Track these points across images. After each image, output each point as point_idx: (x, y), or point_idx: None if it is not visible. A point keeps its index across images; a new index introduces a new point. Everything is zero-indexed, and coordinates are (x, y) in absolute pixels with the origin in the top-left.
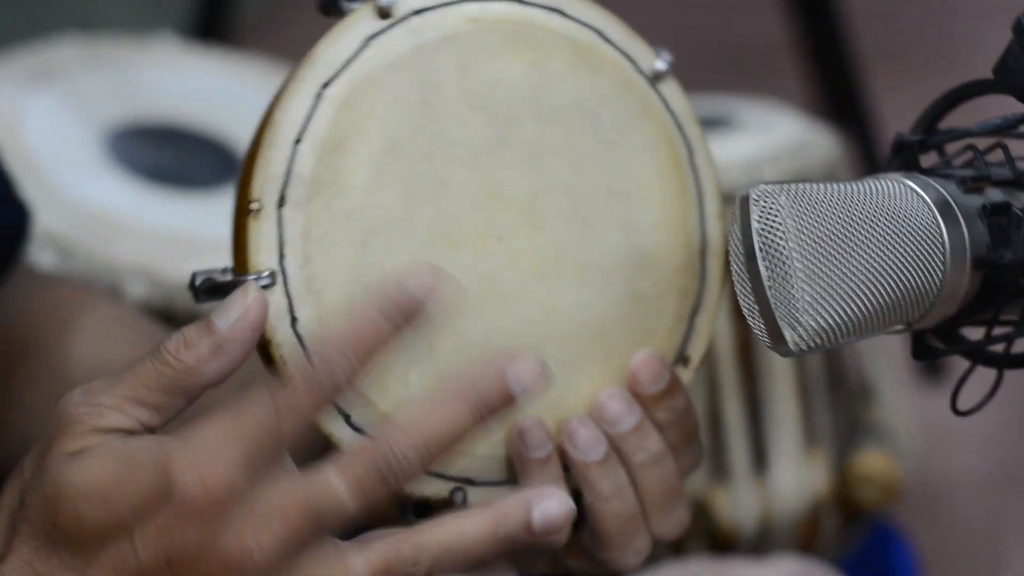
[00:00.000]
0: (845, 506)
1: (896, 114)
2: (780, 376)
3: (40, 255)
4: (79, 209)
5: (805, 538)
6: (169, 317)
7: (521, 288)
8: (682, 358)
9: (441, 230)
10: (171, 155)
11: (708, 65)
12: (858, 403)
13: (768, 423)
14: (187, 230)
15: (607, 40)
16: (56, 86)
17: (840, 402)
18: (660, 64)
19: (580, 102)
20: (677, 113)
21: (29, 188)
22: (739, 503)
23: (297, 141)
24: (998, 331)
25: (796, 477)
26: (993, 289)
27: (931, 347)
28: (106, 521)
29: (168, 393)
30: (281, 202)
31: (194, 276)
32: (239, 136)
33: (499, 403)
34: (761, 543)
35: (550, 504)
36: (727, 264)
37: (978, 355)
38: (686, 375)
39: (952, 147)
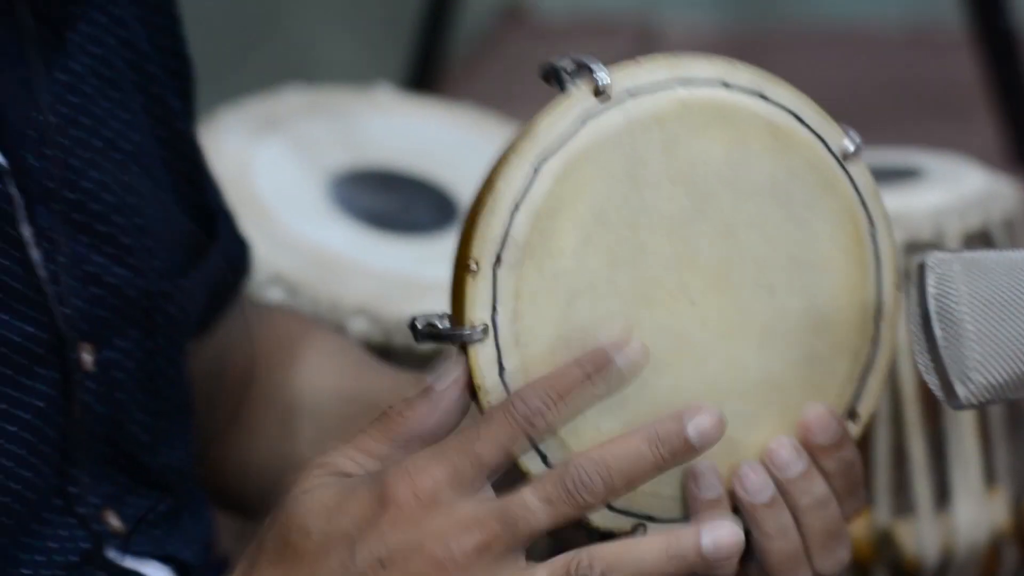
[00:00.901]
0: None
1: None
2: (963, 416)
3: (269, 293)
4: (306, 251)
5: (985, 572)
6: (387, 352)
7: (708, 347)
8: (852, 414)
9: (639, 292)
10: (390, 200)
11: (900, 104)
12: None
13: (951, 459)
14: (406, 272)
15: (802, 122)
16: (282, 134)
17: (1020, 441)
18: (849, 145)
19: (774, 180)
20: (862, 190)
21: (259, 231)
22: (922, 536)
23: (515, 209)
24: None
25: (977, 512)
26: None
27: None
28: (330, 532)
29: (392, 445)
30: (497, 263)
31: (415, 320)
32: (454, 182)
33: (678, 447)
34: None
35: (721, 532)
36: (895, 323)
37: None
38: (854, 430)
39: None
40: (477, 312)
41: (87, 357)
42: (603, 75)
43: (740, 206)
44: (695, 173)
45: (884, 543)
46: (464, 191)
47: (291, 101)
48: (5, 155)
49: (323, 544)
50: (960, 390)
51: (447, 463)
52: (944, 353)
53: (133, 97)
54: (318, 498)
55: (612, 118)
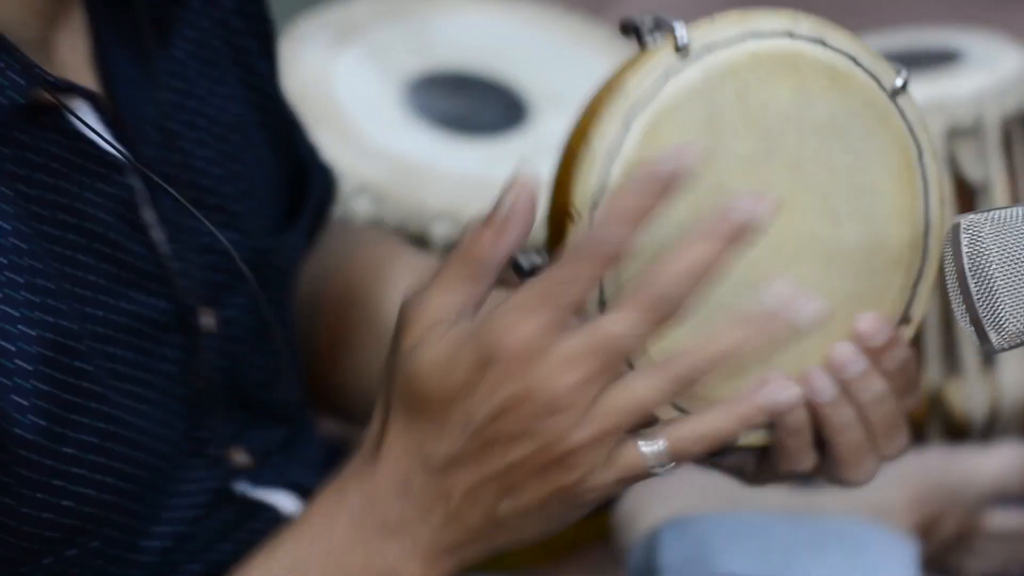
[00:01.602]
0: None
1: None
2: None
3: (357, 203)
4: (388, 159)
5: None
6: None
7: (781, 267)
8: (906, 319)
9: None
10: (462, 102)
11: None
12: None
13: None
14: (480, 174)
15: (858, 64)
16: (358, 43)
17: None
18: (899, 81)
19: (833, 117)
20: (911, 122)
21: (343, 141)
22: (970, 395)
23: (610, 162)
24: None
25: (1021, 372)
26: None
27: None
28: (446, 393)
29: (474, 279)
30: (594, 208)
31: (517, 259)
32: (519, 79)
33: (778, 326)
34: (990, 431)
35: (787, 391)
36: (940, 241)
37: None
38: (909, 331)
39: None
40: None
41: (208, 320)
42: (683, 33)
43: (805, 143)
44: (765, 116)
45: (936, 402)
46: (529, 88)
47: (363, 8)
48: (127, 147)
49: (444, 404)
50: (993, 337)
51: (540, 310)
52: (978, 305)
53: (229, 71)
54: (429, 357)
55: (692, 73)
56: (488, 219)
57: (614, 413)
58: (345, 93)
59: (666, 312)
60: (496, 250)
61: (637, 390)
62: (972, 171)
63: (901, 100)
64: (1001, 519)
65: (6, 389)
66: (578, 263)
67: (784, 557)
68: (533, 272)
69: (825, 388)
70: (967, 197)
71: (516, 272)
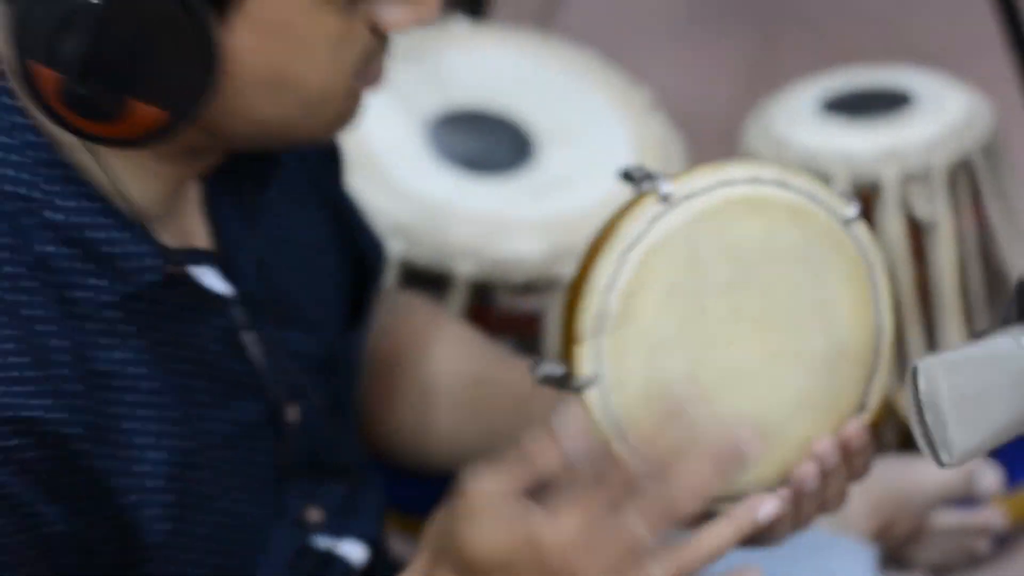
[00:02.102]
0: None
1: None
2: (950, 309)
3: (393, 244)
4: (416, 201)
5: None
6: (488, 287)
7: (756, 374)
8: (863, 407)
9: (702, 340)
10: (477, 141)
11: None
12: None
13: (940, 341)
14: (496, 211)
15: (815, 200)
16: (383, 86)
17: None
18: (850, 212)
19: (796, 247)
20: (862, 244)
21: (377, 185)
22: (909, 418)
23: (607, 292)
24: None
25: None
26: None
27: None
28: (492, 564)
29: (527, 478)
30: (598, 332)
31: (535, 368)
32: (527, 113)
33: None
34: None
35: (768, 507)
36: (893, 343)
37: None
38: (865, 418)
39: None
40: (587, 366)
41: (293, 413)
42: (666, 186)
43: (773, 269)
44: (738, 249)
45: (890, 411)
46: (535, 123)
47: None
48: (232, 285)
49: (485, 571)
50: (944, 457)
51: (584, 516)
52: (932, 432)
53: (308, 196)
54: (481, 531)
55: (675, 218)
56: (546, 440)
57: None
58: (375, 137)
59: (674, 519)
60: (547, 465)
61: (651, 573)
62: (922, 211)
63: (853, 227)
64: (944, 518)
65: (140, 506)
66: (611, 484)
67: (761, 565)
68: (548, 382)
69: (811, 481)
70: (918, 235)
71: (533, 375)
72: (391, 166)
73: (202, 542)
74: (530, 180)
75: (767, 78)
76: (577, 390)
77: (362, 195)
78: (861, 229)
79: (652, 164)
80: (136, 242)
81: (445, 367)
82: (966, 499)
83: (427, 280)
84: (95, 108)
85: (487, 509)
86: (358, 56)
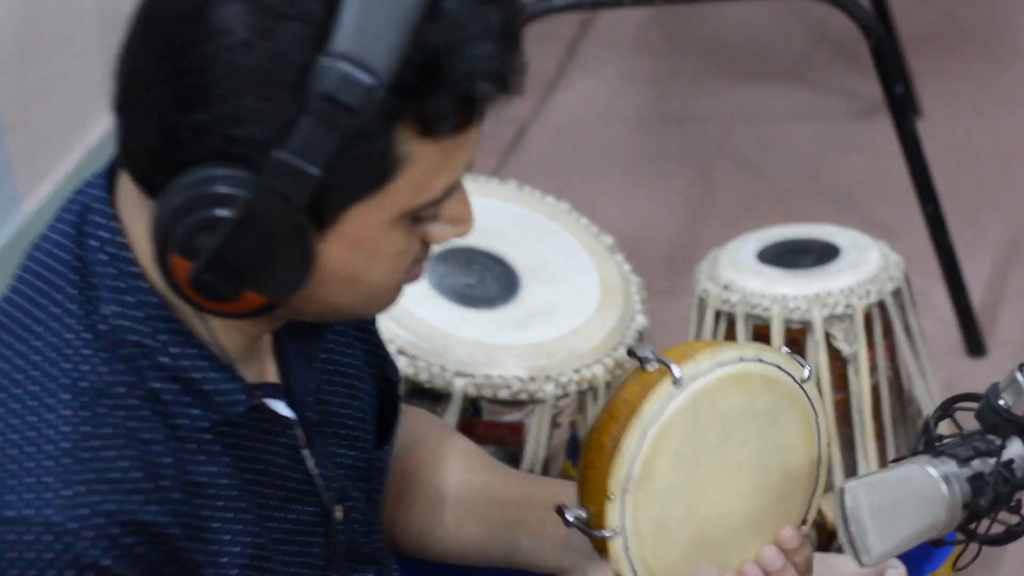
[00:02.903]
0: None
1: (944, 104)
2: (865, 425)
3: (399, 362)
4: (419, 327)
5: None
6: (480, 401)
7: (731, 505)
8: (804, 521)
9: (699, 488)
10: (468, 275)
11: (805, 48)
12: None
13: (857, 453)
14: (487, 338)
15: (782, 369)
16: None
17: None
18: (805, 373)
19: (767, 407)
20: (812, 397)
21: (387, 314)
22: (837, 526)
23: (634, 459)
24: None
25: None
26: (974, 515)
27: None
28: None
29: None
30: (624, 492)
31: (563, 510)
32: (513, 252)
33: None
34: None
35: None
36: (827, 469)
37: (976, 540)
38: (806, 529)
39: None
40: (614, 521)
41: (339, 513)
42: (678, 371)
43: (749, 426)
44: (727, 414)
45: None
46: (518, 261)
47: None
48: (294, 411)
49: None
50: (864, 559)
51: None
52: (854, 540)
53: (350, 332)
54: None
55: (683, 398)
56: None
57: None
58: None
59: None
60: None
61: None
62: (843, 346)
63: (806, 385)
64: None
65: None
66: None
67: None
68: (581, 529)
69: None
70: (840, 364)
71: (560, 516)
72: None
73: None
74: (515, 311)
75: (705, 214)
76: (604, 538)
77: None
78: (811, 386)
79: (614, 300)
80: (227, 381)
81: (453, 478)
82: None
83: (427, 394)
84: (215, 292)
85: None
86: (411, 261)
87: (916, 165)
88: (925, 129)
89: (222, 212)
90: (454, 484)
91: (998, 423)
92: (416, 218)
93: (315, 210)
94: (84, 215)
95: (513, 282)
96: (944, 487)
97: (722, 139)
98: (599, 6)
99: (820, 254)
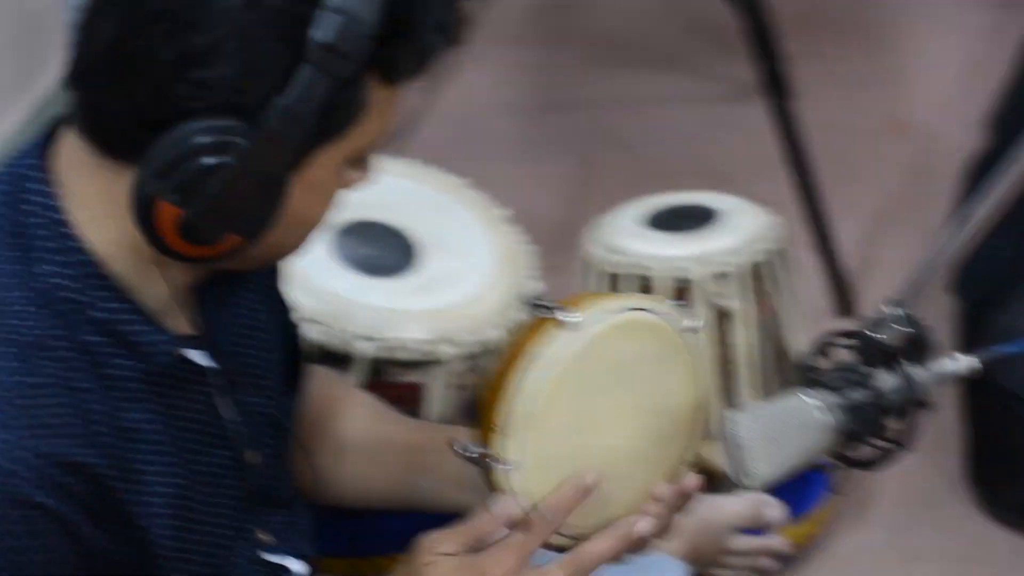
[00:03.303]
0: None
1: (816, 79)
2: (745, 378)
3: (310, 330)
4: (324, 295)
5: None
6: (385, 363)
7: (621, 448)
8: (684, 462)
9: (589, 428)
10: (370, 246)
11: (679, 35)
12: None
13: (736, 403)
14: (389, 304)
15: (668, 319)
16: None
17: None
18: (687, 323)
19: (652, 352)
20: (695, 348)
21: (295, 284)
22: (720, 453)
23: (528, 399)
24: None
25: None
26: (849, 441)
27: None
28: None
29: (474, 542)
30: (516, 428)
31: (457, 445)
32: (413, 225)
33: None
34: (732, 483)
35: (642, 524)
36: (707, 413)
37: (852, 465)
38: (685, 471)
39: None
40: (509, 455)
41: (253, 458)
42: (574, 318)
43: (638, 372)
44: (615, 360)
45: (698, 460)
46: (417, 232)
47: None
48: (212, 361)
49: None
50: (748, 483)
51: (516, 555)
52: (739, 465)
53: (260, 291)
54: (440, 569)
55: (579, 342)
56: (493, 518)
57: None
58: None
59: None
60: (491, 535)
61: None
62: (724, 302)
63: (690, 336)
64: (739, 542)
65: (152, 527)
66: (536, 536)
67: None
68: (470, 458)
69: (662, 513)
70: (724, 320)
71: (454, 450)
72: (303, 267)
73: (194, 554)
74: (415, 279)
75: (590, 195)
76: (498, 470)
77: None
78: (694, 336)
79: (509, 268)
80: (154, 333)
81: (354, 427)
82: (757, 528)
83: (335, 358)
84: (201, 236)
85: (439, 556)
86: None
87: (789, 139)
88: (798, 109)
89: (220, 159)
90: (356, 433)
91: (868, 353)
92: (354, 161)
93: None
94: (18, 184)
95: (412, 253)
96: (821, 415)
97: (604, 124)
98: None
99: (701, 218)
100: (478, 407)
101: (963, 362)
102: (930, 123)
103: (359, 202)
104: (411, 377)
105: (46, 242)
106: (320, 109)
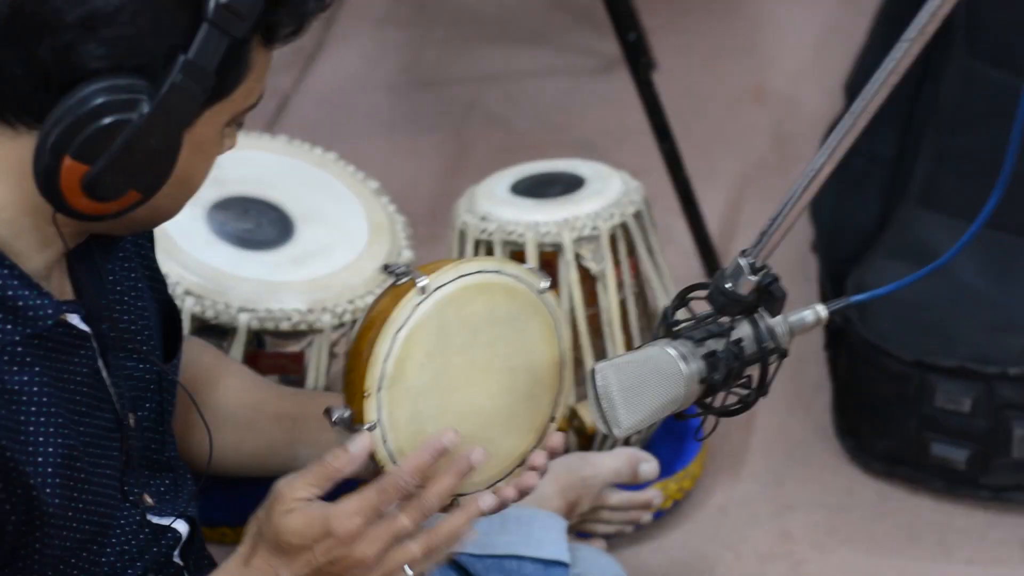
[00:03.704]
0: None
1: (677, 51)
2: (615, 336)
3: (185, 302)
4: (203, 269)
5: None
6: (270, 334)
7: (482, 402)
8: (552, 418)
9: (449, 386)
10: (246, 220)
11: (543, 11)
12: None
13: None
14: (267, 276)
15: (519, 280)
16: None
17: None
18: (543, 284)
19: (508, 313)
20: (550, 307)
21: (172, 258)
22: (593, 412)
23: (385, 360)
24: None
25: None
26: (711, 389)
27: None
28: (301, 544)
29: (326, 482)
30: (379, 389)
31: (330, 412)
32: (286, 199)
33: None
34: (607, 440)
35: (487, 500)
36: (571, 369)
37: (713, 413)
38: (554, 425)
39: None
40: (370, 415)
41: (132, 420)
42: (424, 282)
43: (493, 331)
44: (471, 319)
45: (573, 416)
46: (293, 206)
47: None
48: (90, 326)
49: (299, 548)
50: (615, 431)
51: (362, 510)
52: (606, 415)
53: (134, 261)
54: (294, 520)
55: (429, 304)
56: (341, 455)
57: (394, 562)
58: (170, 223)
59: (428, 514)
60: (343, 472)
61: (410, 549)
62: (591, 265)
63: (544, 296)
64: (615, 497)
65: (40, 485)
66: (386, 493)
67: (484, 535)
68: (339, 421)
69: (533, 481)
70: (590, 282)
71: (327, 418)
72: (181, 242)
73: (79, 512)
74: (292, 251)
75: (462, 167)
76: (362, 431)
77: (161, 264)
78: (550, 296)
79: (382, 238)
80: (36, 297)
81: (229, 397)
82: (632, 484)
83: (214, 330)
84: (104, 192)
85: (295, 503)
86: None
87: (651, 107)
88: (661, 80)
89: (128, 116)
90: (230, 403)
91: (725, 304)
92: (232, 124)
93: None
94: None
95: (288, 226)
96: (682, 364)
97: (473, 99)
98: None
99: (567, 184)
100: (343, 373)
101: (813, 312)
102: (790, 90)
103: (235, 178)
104: (292, 347)
105: None
106: (217, 68)
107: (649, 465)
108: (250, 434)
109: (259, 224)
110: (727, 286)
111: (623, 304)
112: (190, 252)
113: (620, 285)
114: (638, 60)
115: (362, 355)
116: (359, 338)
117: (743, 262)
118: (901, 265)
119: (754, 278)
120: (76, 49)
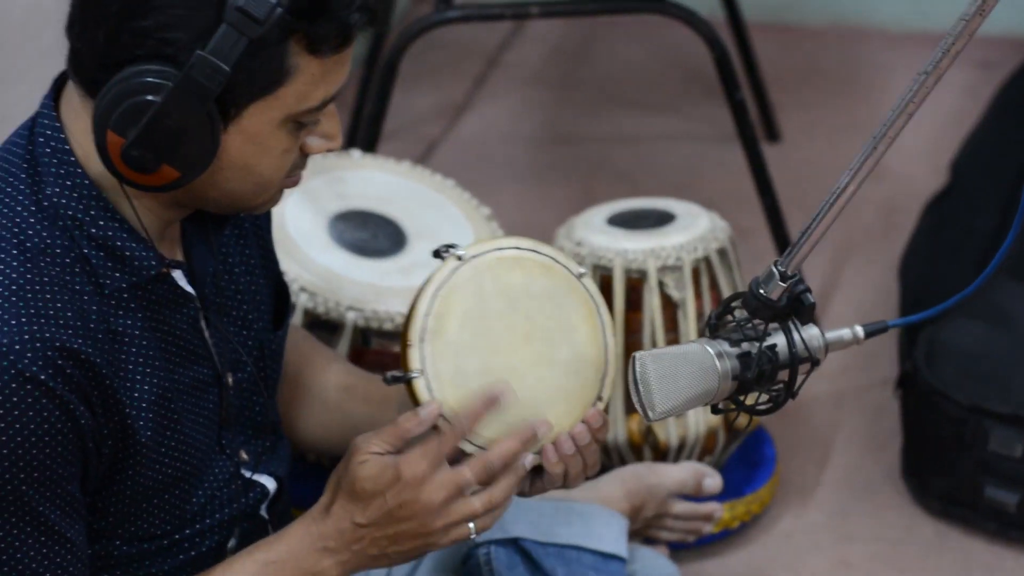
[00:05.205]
0: (729, 428)
1: (802, 131)
2: None
3: (299, 298)
4: (318, 270)
5: (705, 449)
6: (374, 333)
7: (525, 371)
8: (599, 398)
9: (489, 347)
10: (364, 232)
11: (677, 84)
12: None
13: None
14: (376, 280)
15: (556, 261)
16: (299, 191)
17: None
18: (581, 270)
19: (546, 289)
20: (590, 291)
21: (291, 258)
22: (668, 429)
23: (427, 316)
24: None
25: (697, 416)
26: (743, 387)
27: (723, 408)
28: (374, 490)
29: (398, 440)
30: (421, 340)
31: (385, 375)
32: (402, 217)
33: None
34: (678, 453)
35: (542, 427)
36: (620, 356)
37: (744, 409)
38: (602, 405)
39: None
40: (415, 365)
41: (230, 380)
42: (461, 252)
43: (532, 303)
44: (508, 290)
45: (648, 434)
46: (408, 224)
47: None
48: (195, 288)
49: (373, 493)
50: (651, 414)
51: (427, 458)
52: (643, 399)
53: (250, 240)
54: (368, 468)
55: (466, 268)
56: (412, 417)
57: (458, 514)
58: (291, 224)
59: (491, 474)
60: (412, 432)
61: (472, 503)
62: (673, 293)
63: (584, 279)
64: (679, 507)
65: (135, 416)
66: (446, 438)
67: (549, 525)
68: (396, 380)
69: (569, 448)
70: (671, 309)
71: (383, 378)
72: (302, 245)
73: (171, 451)
74: (401, 262)
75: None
76: (408, 381)
77: (281, 263)
78: (589, 281)
79: None
80: (142, 250)
81: (324, 378)
82: (696, 496)
83: (325, 325)
84: (139, 164)
85: (370, 455)
86: (290, 164)
87: (753, 158)
88: (783, 151)
89: (151, 97)
90: (325, 385)
91: (758, 307)
92: (298, 124)
93: (223, 104)
94: (35, 120)
95: (401, 239)
96: (717, 361)
97: (604, 157)
98: (488, 18)
99: (658, 219)
100: (400, 335)
101: (850, 331)
102: (904, 168)
103: (358, 193)
104: (395, 347)
105: (54, 168)
106: (241, 66)
107: (713, 480)
108: (339, 414)
109: (375, 235)
110: (760, 291)
111: (701, 335)
112: (308, 253)
113: (700, 315)
114: (743, 119)
115: (408, 318)
116: (409, 306)
117: (775, 269)
118: (978, 324)
119: (783, 284)
120: (119, 35)
